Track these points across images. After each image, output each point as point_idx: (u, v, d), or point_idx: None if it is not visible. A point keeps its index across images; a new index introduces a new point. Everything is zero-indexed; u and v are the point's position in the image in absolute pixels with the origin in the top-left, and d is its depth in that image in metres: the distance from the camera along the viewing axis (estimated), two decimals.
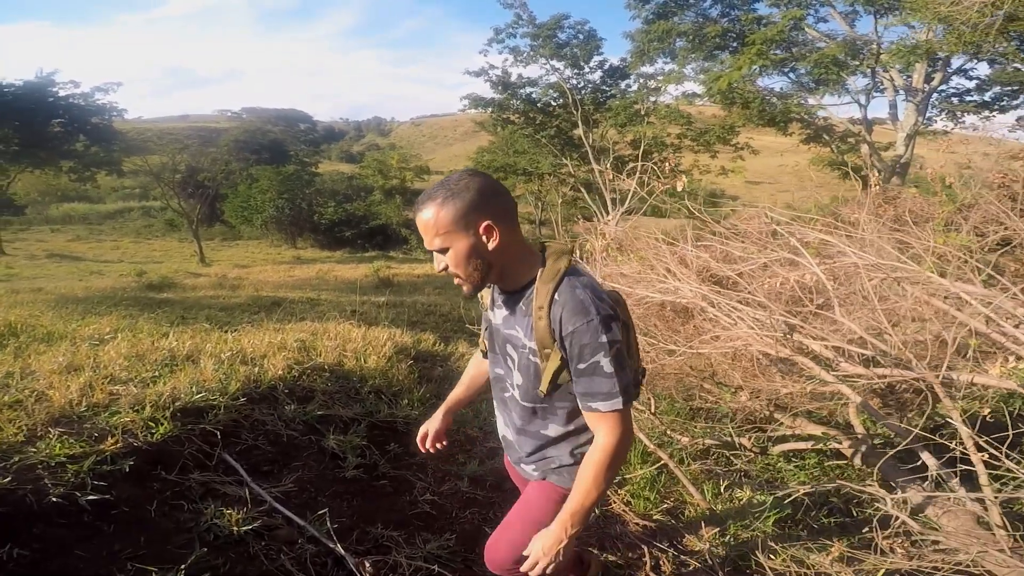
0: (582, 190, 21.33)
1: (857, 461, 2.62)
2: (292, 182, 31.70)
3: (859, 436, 2.67)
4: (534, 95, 20.61)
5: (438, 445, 1.48)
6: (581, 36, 18.88)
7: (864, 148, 14.84)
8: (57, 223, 31.08)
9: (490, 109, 21.03)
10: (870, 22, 13.49)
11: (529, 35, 18.61)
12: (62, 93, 19.54)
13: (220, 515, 1.63)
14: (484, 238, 1.07)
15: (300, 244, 30.84)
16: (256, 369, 2.76)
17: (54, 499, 1.44)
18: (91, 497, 1.49)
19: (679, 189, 3.27)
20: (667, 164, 3.73)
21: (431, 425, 1.48)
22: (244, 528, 1.63)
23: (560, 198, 28.07)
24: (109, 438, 1.74)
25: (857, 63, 13.27)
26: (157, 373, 2.54)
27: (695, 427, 3.08)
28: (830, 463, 2.78)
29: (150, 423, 1.94)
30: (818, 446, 2.77)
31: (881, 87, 14.28)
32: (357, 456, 2.36)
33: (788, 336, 2.33)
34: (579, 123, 19.27)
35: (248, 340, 3.46)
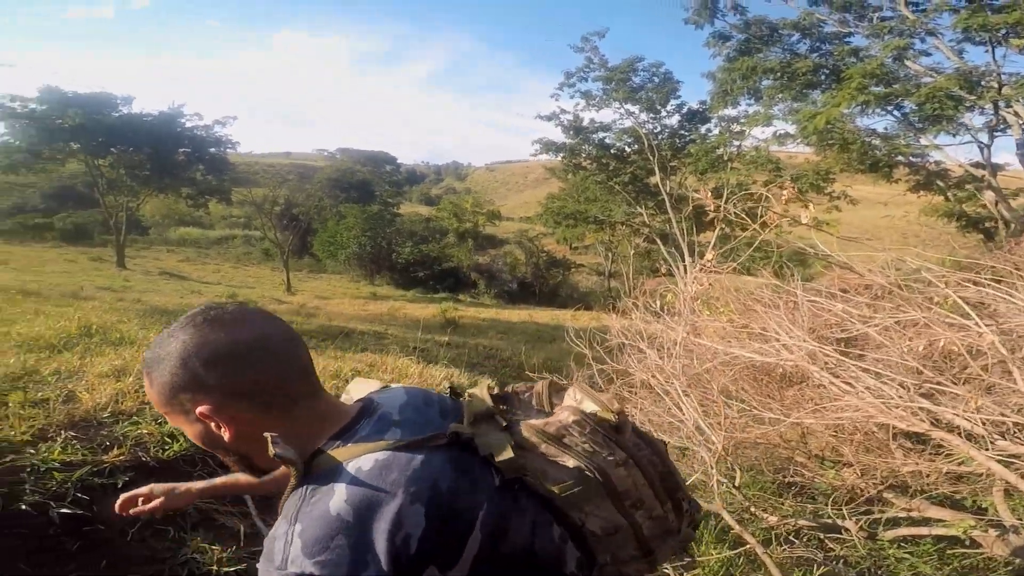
0: (657, 241, 20.72)
1: (999, 551, 2.05)
2: (375, 221, 33.58)
3: (1006, 525, 2.10)
4: (607, 140, 20.48)
5: (140, 510, 1.00)
6: (657, 79, 18.64)
7: (988, 195, 12.84)
8: (173, 244, 34.52)
9: (561, 154, 21.03)
10: (981, 53, 12.08)
11: (601, 79, 18.62)
12: (188, 124, 21.94)
13: (203, 550, 1.41)
14: (213, 426, 0.70)
15: (377, 281, 32.22)
16: None
17: (23, 507, 1.30)
18: (65, 510, 1.35)
19: (804, 220, 2.75)
20: (784, 193, 3.14)
21: (158, 489, 1.02)
22: (228, 569, 1.39)
23: (632, 249, 27.48)
24: (115, 449, 1.61)
25: (975, 97, 11.61)
26: None
27: (784, 504, 2.59)
28: (953, 551, 2.28)
29: (167, 439, 1.81)
30: (944, 532, 2.23)
31: (1004, 125, 12.38)
32: None
33: (921, 408, 1.85)
34: (655, 169, 18.82)
35: None
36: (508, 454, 0.74)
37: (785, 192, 3.24)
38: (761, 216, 3.28)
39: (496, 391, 0.88)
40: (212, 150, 23.10)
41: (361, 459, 0.68)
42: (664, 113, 19.20)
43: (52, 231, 27.97)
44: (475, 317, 16.03)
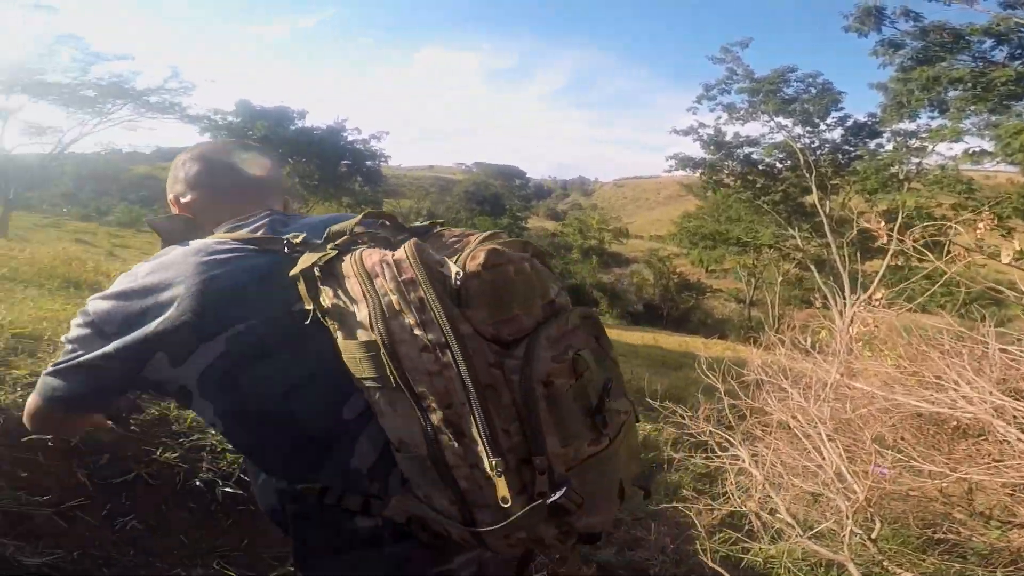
0: (812, 268, 18.70)
1: None
2: (505, 234, 34.91)
3: None
4: (754, 155, 18.99)
5: None
6: (814, 90, 16.88)
7: None
8: None
9: (700, 170, 19.86)
10: None
11: (746, 90, 17.25)
12: (349, 138, 24.86)
13: None
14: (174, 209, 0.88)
15: None
16: None
17: (197, 483, 1.56)
18: (228, 489, 1.60)
19: (1006, 257, 2.33)
20: (979, 221, 2.74)
21: None
22: None
23: (780, 276, 25.02)
24: None
25: None
26: None
27: (924, 561, 2.24)
28: None
29: None
30: None
31: None
32: None
33: None
34: (813, 188, 17.01)
35: None
36: (296, 270, 0.64)
37: (981, 220, 2.77)
38: (946, 247, 2.82)
39: (421, 223, 0.78)
40: (368, 163, 25.86)
41: (202, 241, 0.74)
42: (824, 127, 17.31)
43: None
44: None
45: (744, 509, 2.28)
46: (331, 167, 23.60)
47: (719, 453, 2.54)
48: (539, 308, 0.66)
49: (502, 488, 0.58)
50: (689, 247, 26.14)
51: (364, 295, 0.61)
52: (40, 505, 1.42)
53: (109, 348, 0.67)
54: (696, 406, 2.90)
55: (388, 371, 0.59)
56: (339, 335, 0.63)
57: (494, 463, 0.57)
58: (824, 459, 2.12)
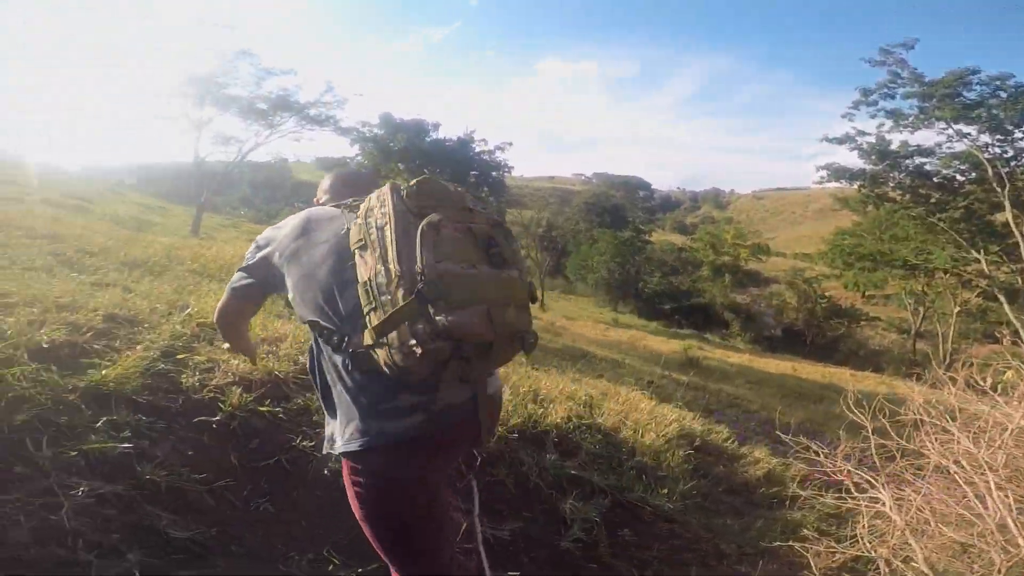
0: (1000, 298, 15.75)
1: None
2: (626, 247, 34.18)
3: None
4: (927, 167, 16.45)
5: None
6: (1004, 93, 14.14)
7: None
8: None
9: (858, 182, 17.67)
10: None
11: (916, 95, 14.98)
12: (477, 149, 26.14)
13: None
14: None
15: (620, 308, 32.69)
16: (540, 411, 2.91)
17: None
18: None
19: None
20: None
21: None
22: None
23: (958, 306, 21.25)
24: None
25: None
26: None
27: None
28: None
29: None
30: None
31: None
32: (583, 529, 2.19)
33: None
34: (1006, 204, 14.31)
35: (545, 382, 3.73)
36: (340, 209, 1.21)
37: None
38: None
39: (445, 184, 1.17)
40: (494, 173, 26.95)
41: (313, 208, 1.30)
42: (1019, 134, 14.48)
43: None
44: (722, 360, 14.79)
45: (874, 555, 2.05)
46: (461, 178, 24.93)
47: (855, 494, 2.35)
48: (452, 208, 1.10)
49: (397, 294, 0.98)
50: (843, 268, 23.46)
51: (364, 213, 1.09)
52: (196, 482, 1.61)
53: (260, 254, 1.23)
54: (835, 443, 2.68)
55: (365, 235, 1.06)
56: (354, 227, 1.10)
57: (394, 270, 0.99)
58: (987, 509, 1.83)
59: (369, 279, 1.01)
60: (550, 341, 11.24)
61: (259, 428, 1.95)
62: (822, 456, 2.65)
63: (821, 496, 2.61)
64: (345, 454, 1.11)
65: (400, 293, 0.97)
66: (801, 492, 2.79)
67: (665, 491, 2.67)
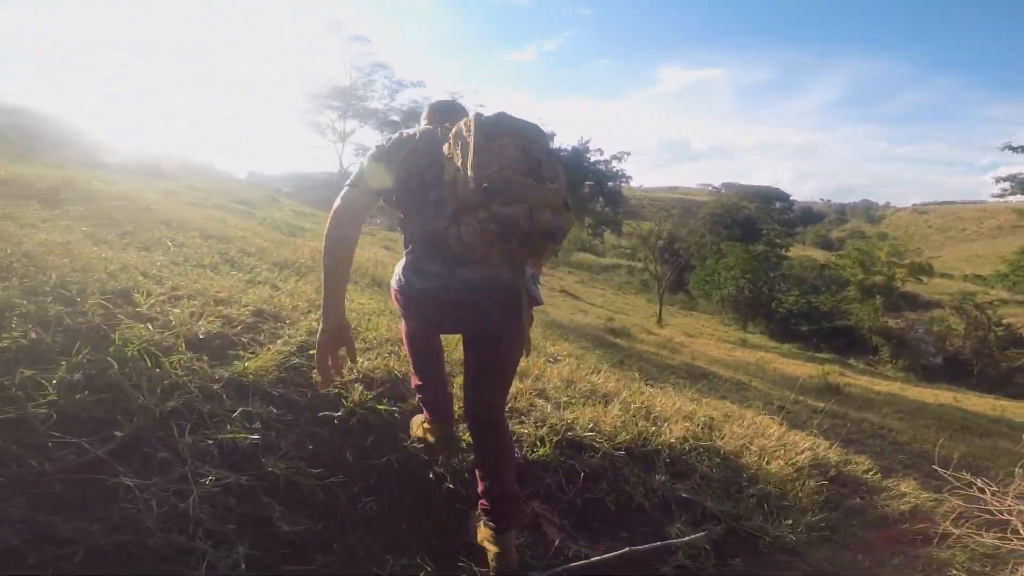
0: None
1: None
2: (758, 263, 31.52)
3: None
4: None
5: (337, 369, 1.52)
6: None
7: None
8: (573, 267, 41.21)
9: None
10: None
11: None
12: (592, 159, 25.85)
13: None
14: None
15: (750, 328, 30.20)
16: (652, 429, 2.76)
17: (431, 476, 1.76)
18: (450, 486, 1.76)
19: None
20: None
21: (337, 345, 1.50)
22: None
23: None
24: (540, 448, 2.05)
25: None
26: (572, 400, 2.83)
27: None
28: None
29: (537, 442, 2.15)
30: None
31: None
32: (688, 555, 1.98)
33: None
34: None
35: (660, 400, 3.54)
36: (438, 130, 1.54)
37: None
38: None
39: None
40: (610, 184, 26.43)
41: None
42: None
43: None
44: (867, 388, 12.99)
45: None
46: (575, 188, 24.81)
47: (1023, 534, 2.12)
48: (516, 135, 1.42)
49: (470, 191, 1.33)
50: None
51: (454, 134, 1.42)
52: (312, 476, 1.65)
53: (376, 162, 1.50)
54: (1004, 480, 2.44)
55: (452, 149, 1.41)
56: (446, 144, 1.43)
57: (470, 174, 1.33)
58: None
59: (452, 179, 1.35)
60: (667, 358, 10.68)
61: (375, 425, 2.01)
62: (988, 493, 2.37)
63: (979, 535, 2.27)
64: (392, 285, 1.68)
65: (472, 190, 1.30)
66: (954, 530, 2.40)
67: (789, 522, 2.38)
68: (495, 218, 1.30)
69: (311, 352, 2.17)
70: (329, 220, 1.48)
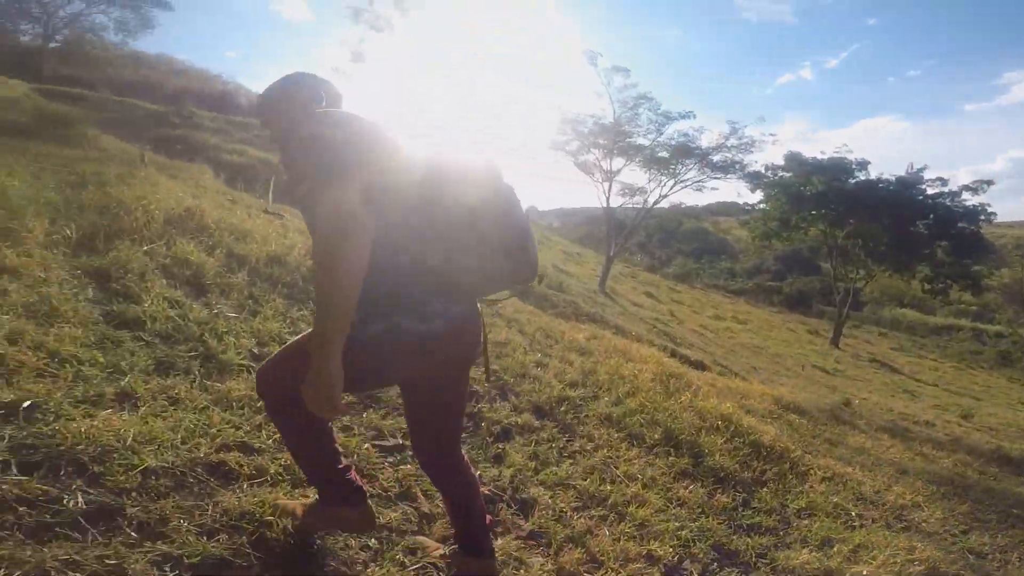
0: None
1: None
2: None
3: None
4: None
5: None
6: None
7: None
8: (885, 326, 30.47)
9: None
10: None
11: None
12: (929, 191, 19.39)
13: None
14: None
15: None
16: None
17: None
18: None
19: None
20: None
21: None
22: None
23: None
24: None
25: None
26: None
27: None
28: None
29: None
30: None
31: None
32: None
33: None
34: None
35: None
36: None
37: None
38: None
39: None
40: (959, 224, 19.46)
41: None
42: None
43: (779, 295, 32.36)
44: None
45: None
46: (904, 229, 19.06)
47: None
48: None
49: None
50: None
51: None
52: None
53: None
54: None
55: None
56: None
57: None
58: None
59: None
60: None
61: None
62: None
63: None
64: None
65: None
66: None
67: None
68: None
69: None
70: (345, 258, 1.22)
